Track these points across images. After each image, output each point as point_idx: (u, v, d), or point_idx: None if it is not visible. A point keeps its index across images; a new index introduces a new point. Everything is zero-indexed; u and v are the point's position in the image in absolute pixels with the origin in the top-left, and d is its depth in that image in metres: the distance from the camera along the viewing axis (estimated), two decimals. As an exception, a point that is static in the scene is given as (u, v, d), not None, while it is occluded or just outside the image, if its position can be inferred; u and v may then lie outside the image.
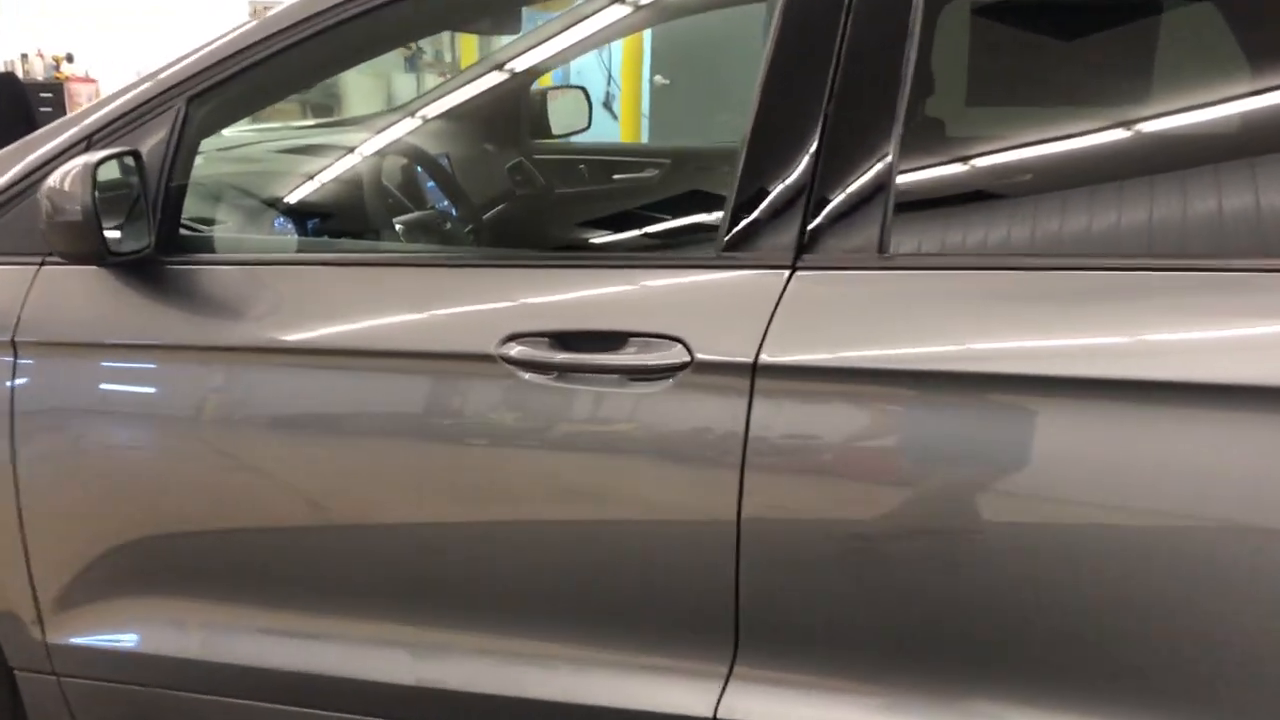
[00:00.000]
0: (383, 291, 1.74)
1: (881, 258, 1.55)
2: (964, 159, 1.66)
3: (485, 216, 2.73)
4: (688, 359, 1.56)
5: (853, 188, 1.56)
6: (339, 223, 2.34)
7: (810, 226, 1.57)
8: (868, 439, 1.53)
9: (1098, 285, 1.47)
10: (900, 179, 1.56)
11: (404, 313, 1.71)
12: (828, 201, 1.57)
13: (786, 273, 1.56)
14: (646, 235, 2.31)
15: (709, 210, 2.25)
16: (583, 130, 3.36)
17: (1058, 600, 1.47)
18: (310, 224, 2.28)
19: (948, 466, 1.49)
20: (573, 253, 2.13)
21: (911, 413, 1.51)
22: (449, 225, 2.44)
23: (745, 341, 1.54)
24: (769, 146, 1.61)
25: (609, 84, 7.99)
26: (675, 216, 2.36)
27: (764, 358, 1.52)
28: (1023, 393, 1.45)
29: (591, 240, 2.42)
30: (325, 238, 2.31)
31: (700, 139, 6.39)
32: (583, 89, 3.39)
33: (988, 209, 1.62)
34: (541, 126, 3.23)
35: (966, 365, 1.46)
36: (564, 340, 1.62)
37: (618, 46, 7.49)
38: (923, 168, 1.62)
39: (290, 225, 2.19)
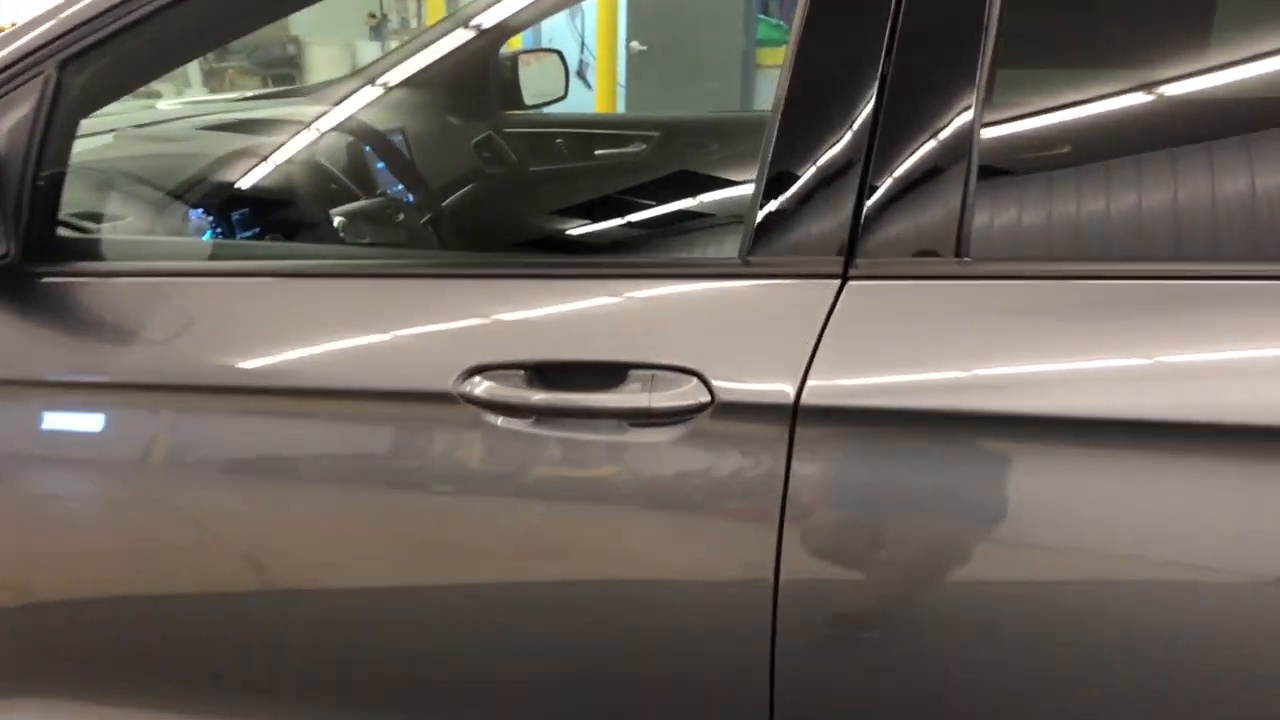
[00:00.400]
0: (315, 310, 1.36)
1: (960, 264, 1.18)
2: (1065, 132, 1.28)
3: (448, 201, 2.34)
4: (707, 399, 1.19)
5: (921, 172, 1.19)
6: (269, 217, 1.93)
7: (864, 223, 1.20)
8: (947, 503, 1.16)
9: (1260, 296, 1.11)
10: (983, 160, 1.19)
11: (339, 338, 1.33)
12: (888, 190, 1.20)
13: (834, 284, 1.19)
14: (641, 226, 1.93)
15: (715, 193, 1.87)
16: (559, 99, 2.97)
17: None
18: (235, 217, 1.88)
19: (1048, 537, 1.13)
20: (553, 257, 1.70)
21: (1003, 472, 1.15)
22: (402, 215, 2.04)
23: (783, 376, 1.17)
24: (809, 118, 1.23)
25: (582, 51, 7.63)
26: (673, 202, 1.97)
27: (809, 397, 1.16)
28: (1177, 445, 1.09)
29: (574, 232, 2.03)
30: (254, 233, 1.91)
31: (681, 111, 6.02)
32: (558, 52, 3.00)
33: (1102, 201, 1.24)
34: (513, 96, 2.83)
35: (1086, 408, 1.10)
36: (544, 374, 1.24)
37: (591, 12, 7.10)
38: (1014, 144, 1.25)
39: (208, 221, 1.79)
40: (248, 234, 1.90)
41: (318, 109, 2.24)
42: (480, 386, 1.24)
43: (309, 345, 1.33)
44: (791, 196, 1.23)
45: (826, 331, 1.17)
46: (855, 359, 1.17)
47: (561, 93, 2.97)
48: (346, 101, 2.34)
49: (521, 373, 1.24)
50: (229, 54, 8.73)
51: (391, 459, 1.32)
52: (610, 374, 1.22)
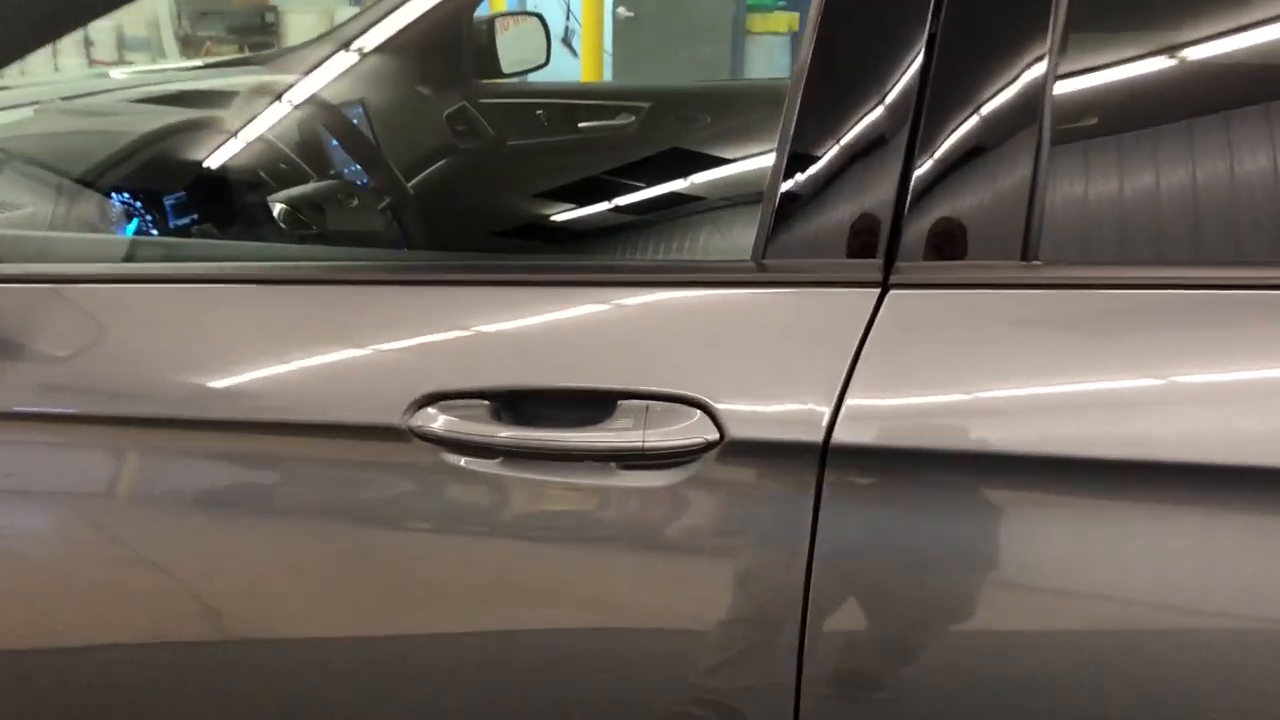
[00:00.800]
0: (237, 324, 1.12)
1: (1028, 268, 0.95)
2: (1162, 104, 1.04)
3: (415, 181, 2.08)
4: (714, 435, 0.96)
5: (979, 154, 0.96)
6: (201, 206, 1.67)
7: (909, 217, 0.97)
8: (1018, 564, 0.94)
9: None
10: (1057, 138, 0.96)
11: (265, 359, 1.09)
12: (937, 177, 0.97)
13: (872, 293, 0.96)
14: (630, 211, 1.69)
15: (717, 173, 1.64)
16: (540, 67, 2.71)
17: None
18: (168, 204, 1.64)
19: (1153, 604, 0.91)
20: (526, 258, 1.43)
21: (1096, 527, 0.92)
22: (355, 200, 1.78)
23: (809, 408, 0.94)
24: (838, 87, 1.00)
25: (568, 18, 7.35)
26: (666, 183, 1.73)
27: (842, 434, 0.93)
28: None
29: (555, 219, 1.78)
30: (189, 221, 1.66)
31: (673, 79, 5.77)
32: (539, 16, 2.74)
33: (1212, 186, 1.00)
34: (489, 63, 2.57)
35: (1204, 453, 0.88)
36: (513, 404, 1.01)
37: (576, -26, 6.84)
38: (1095, 119, 1.01)
39: (129, 211, 1.55)
40: (184, 221, 1.66)
41: (270, 79, 1.98)
42: (436, 420, 1.01)
43: (229, 368, 1.09)
44: (817, 185, 1.00)
45: (863, 353, 0.94)
46: (899, 387, 0.94)
47: (543, 59, 2.72)
48: (301, 70, 2.09)
49: (487, 402, 1.01)
50: (205, 23, 8.46)
51: (328, 505, 1.09)
52: (594, 405, 0.99)
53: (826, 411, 0.93)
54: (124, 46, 7.83)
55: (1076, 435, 0.89)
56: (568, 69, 6.74)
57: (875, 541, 0.96)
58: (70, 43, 7.61)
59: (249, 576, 1.13)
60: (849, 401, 0.93)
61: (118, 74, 2.72)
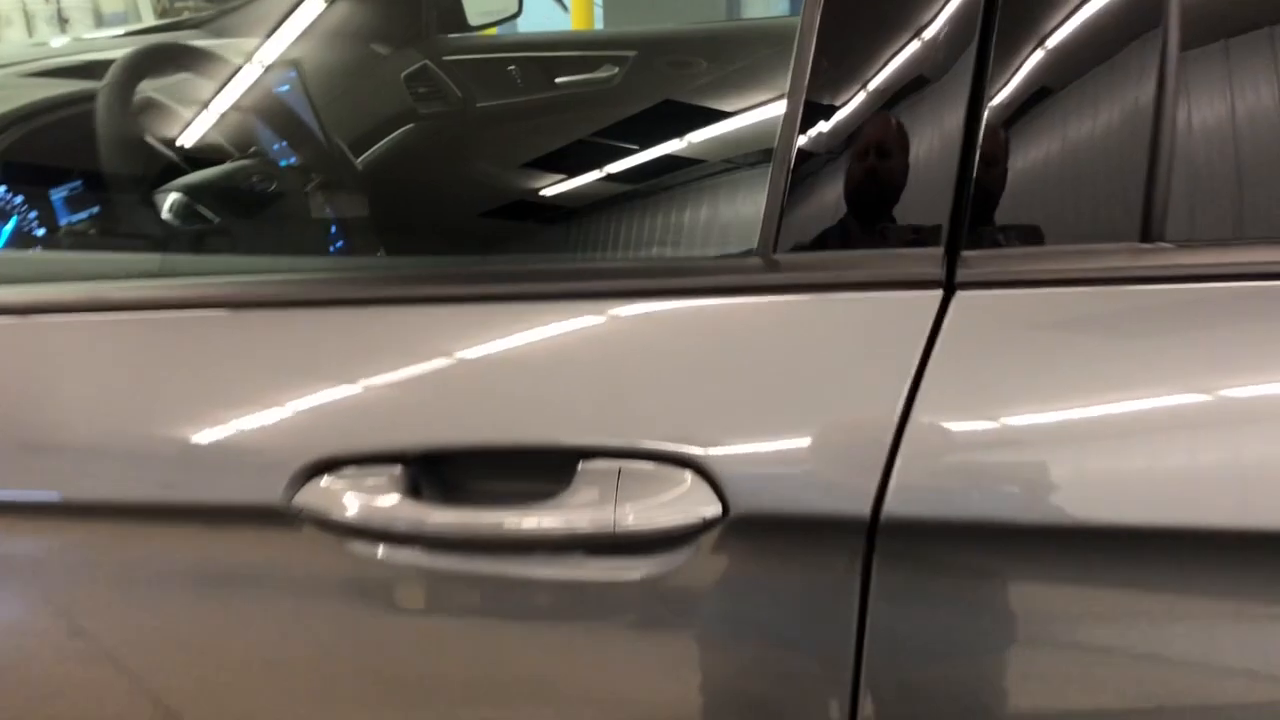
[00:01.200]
0: (71, 365, 0.84)
1: (1152, 253, 0.66)
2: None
3: (365, 157, 1.78)
4: (714, 509, 0.68)
5: (1072, 96, 0.67)
6: (94, 203, 1.36)
7: (978, 190, 0.68)
8: (1180, 669, 0.66)
9: None
10: (1189, 59, 0.67)
11: (107, 416, 0.81)
12: (1014, 131, 0.68)
13: (933, 296, 0.68)
14: (609, 182, 1.39)
15: (716, 131, 1.35)
16: (512, 18, 2.41)
17: None
18: (56, 198, 1.35)
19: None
20: (459, 265, 1.09)
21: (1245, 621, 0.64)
22: (274, 185, 1.46)
23: (849, 467, 0.66)
24: (872, 13, 0.71)
25: (557, -26, 6.99)
26: (651, 149, 1.43)
27: (898, 503, 0.65)
28: None
29: (522, 202, 1.48)
30: (83, 218, 1.37)
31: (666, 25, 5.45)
32: (514, -37, 2.42)
33: None
34: (454, 15, 2.28)
35: None
36: (438, 470, 0.73)
37: (564, -77, 6.50)
38: (1243, 31, 0.72)
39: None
40: (78, 219, 1.38)
41: (198, 43, 1.67)
42: (333, 495, 0.73)
43: (59, 428, 0.81)
44: (844, 154, 0.71)
45: (924, 384, 0.66)
46: (976, 430, 0.66)
47: (515, 9, 2.41)
48: (237, 31, 1.81)
49: (400, 468, 0.73)
50: (185, -6, 8.20)
51: (204, 609, 0.81)
52: (549, 467, 0.71)
53: (875, 469, 0.65)
54: (102, 23, 7.60)
55: (1247, 497, 0.61)
56: (559, 27, 6.43)
57: (949, 648, 0.68)
58: (43, 20, 7.37)
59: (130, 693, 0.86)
60: (905, 454, 0.65)
61: (56, 44, 2.44)
